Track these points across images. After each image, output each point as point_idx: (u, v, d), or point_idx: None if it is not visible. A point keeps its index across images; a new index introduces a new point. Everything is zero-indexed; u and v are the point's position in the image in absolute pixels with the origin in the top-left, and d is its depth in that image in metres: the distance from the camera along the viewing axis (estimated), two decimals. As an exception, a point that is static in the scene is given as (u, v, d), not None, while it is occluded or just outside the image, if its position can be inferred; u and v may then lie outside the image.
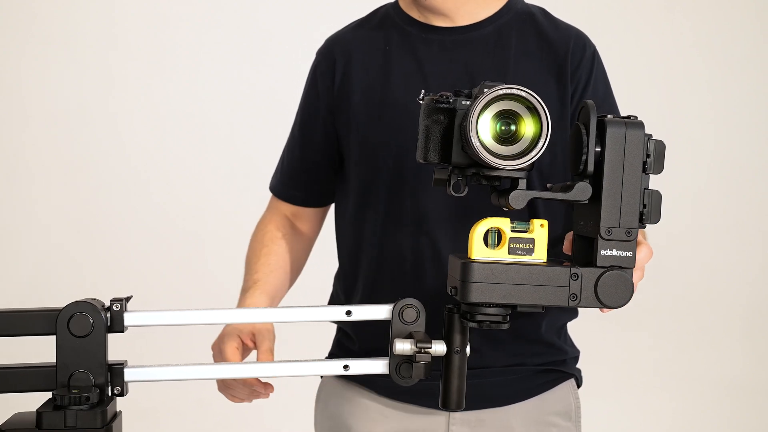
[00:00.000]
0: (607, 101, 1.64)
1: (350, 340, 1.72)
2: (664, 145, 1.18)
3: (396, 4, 1.70)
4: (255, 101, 3.93)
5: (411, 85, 1.59)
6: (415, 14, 1.65)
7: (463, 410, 1.56)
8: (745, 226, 4.06)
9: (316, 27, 3.96)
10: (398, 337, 1.21)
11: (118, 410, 1.19)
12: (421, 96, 1.22)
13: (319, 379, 1.82)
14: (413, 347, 1.18)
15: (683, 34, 4.02)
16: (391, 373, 1.23)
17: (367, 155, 1.64)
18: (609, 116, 1.17)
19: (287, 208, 1.80)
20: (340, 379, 1.73)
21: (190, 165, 3.90)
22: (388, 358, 1.23)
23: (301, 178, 1.76)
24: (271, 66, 3.95)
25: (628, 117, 1.18)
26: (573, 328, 1.75)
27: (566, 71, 1.59)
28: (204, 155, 3.91)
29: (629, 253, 1.17)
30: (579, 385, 1.76)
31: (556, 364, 1.69)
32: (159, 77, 3.82)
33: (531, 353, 1.65)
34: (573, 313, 1.72)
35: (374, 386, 1.68)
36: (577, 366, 1.76)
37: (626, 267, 1.17)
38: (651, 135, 1.17)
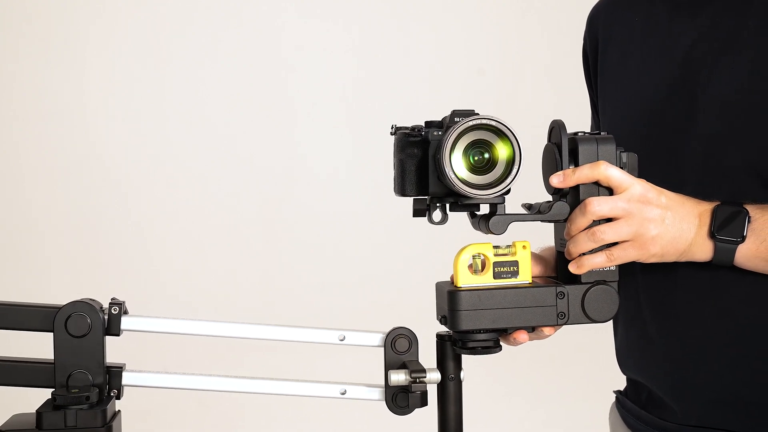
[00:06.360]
0: None
1: None
2: (636, 157, 1.20)
3: None
4: (255, 101, 3.93)
5: (664, 64, 1.41)
6: None
7: None
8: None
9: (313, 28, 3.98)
10: (392, 368, 1.22)
11: (117, 410, 1.20)
12: (393, 130, 1.22)
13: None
14: (408, 377, 1.20)
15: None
16: (388, 403, 1.24)
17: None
18: (580, 133, 1.19)
19: None
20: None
21: (191, 166, 3.90)
22: (383, 388, 1.24)
23: None
24: (273, 68, 3.94)
25: (598, 133, 1.20)
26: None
27: None
28: (204, 156, 3.91)
29: (612, 267, 1.19)
30: None
31: None
32: (157, 78, 3.82)
33: None
34: None
35: None
36: None
37: (610, 281, 1.19)
38: (623, 148, 1.19)
